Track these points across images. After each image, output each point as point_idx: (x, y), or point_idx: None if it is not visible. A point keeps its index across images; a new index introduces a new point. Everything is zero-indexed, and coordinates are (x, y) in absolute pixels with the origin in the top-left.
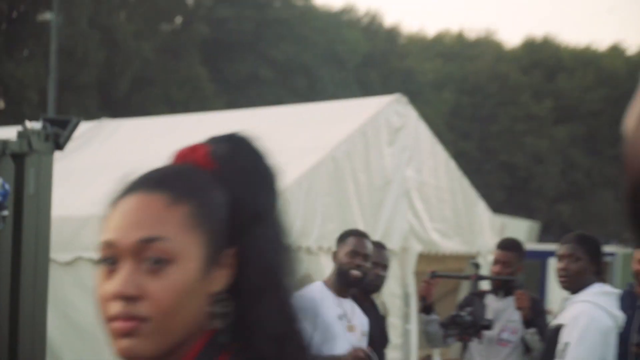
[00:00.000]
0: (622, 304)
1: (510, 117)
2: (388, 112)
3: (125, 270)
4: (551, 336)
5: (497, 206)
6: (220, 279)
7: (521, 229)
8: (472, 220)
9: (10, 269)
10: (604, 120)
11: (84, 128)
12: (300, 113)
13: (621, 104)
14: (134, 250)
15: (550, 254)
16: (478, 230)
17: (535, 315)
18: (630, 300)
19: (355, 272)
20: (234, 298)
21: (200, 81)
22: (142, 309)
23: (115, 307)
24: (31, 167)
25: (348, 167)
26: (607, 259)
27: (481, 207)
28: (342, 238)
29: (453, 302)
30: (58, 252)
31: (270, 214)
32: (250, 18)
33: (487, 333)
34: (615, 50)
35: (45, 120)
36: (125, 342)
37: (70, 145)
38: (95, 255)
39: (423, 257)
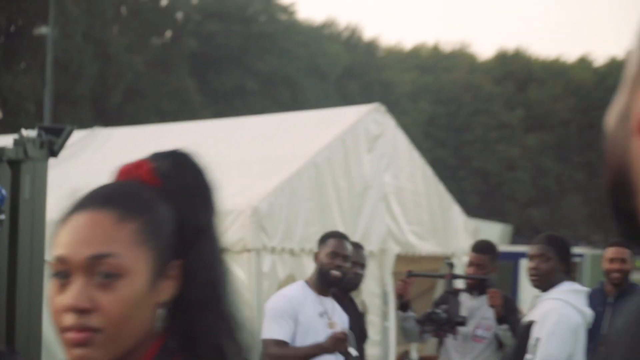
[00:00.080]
0: (593, 301)
1: (483, 126)
2: (367, 120)
3: (77, 285)
4: (523, 332)
5: (471, 210)
6: (167, 290)
7: (494, 232)
8: (447, 223)
9: (6, 271)
10: (572, 128)
11: (78, 136)
12: (284, 122)
13: (589, 113)
14: (85, 265)
15: (522, 255)
16: (453, 232)
17: (507, 312)
18: (600, 298)
19: (335, 272)
20: (180, 308)
21: (189, 93)
22: (94, 320)
23: (69, 319)
24: (27, 173)
25: (329, 173)
26: (576, 259)
27: (456, 211)
28: (323, 240)
29: (429, 301)
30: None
31: (210, 228)
32: (236, 32)
33: (462, 329)
34: (584, 62)
35: (40, 128)
36: (78, 352)
37: (64, 153)
38: None
39: (400, 258)
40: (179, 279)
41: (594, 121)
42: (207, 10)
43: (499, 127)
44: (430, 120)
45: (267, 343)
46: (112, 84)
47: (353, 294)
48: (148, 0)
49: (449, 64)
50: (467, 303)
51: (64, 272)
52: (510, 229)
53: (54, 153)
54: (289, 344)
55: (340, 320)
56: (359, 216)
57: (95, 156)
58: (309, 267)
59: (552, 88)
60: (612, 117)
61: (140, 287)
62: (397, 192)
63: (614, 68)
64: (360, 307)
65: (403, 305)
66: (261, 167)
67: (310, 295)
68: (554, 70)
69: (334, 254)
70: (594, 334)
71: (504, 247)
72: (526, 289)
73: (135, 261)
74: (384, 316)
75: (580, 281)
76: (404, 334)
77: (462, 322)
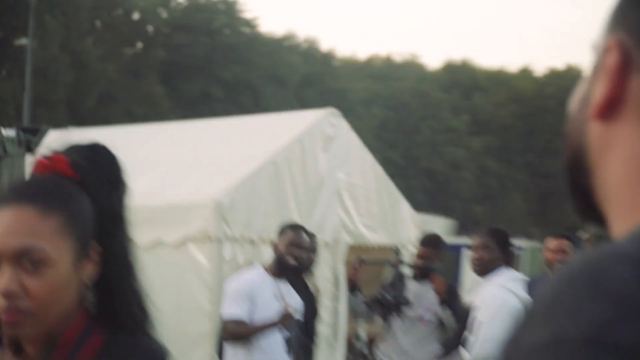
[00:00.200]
0: (535, 290)
1: (431, 129)
2: (323, 123)
3: (8, 272)
4: (465, 316)
5: (420, 206)
6: (89, 271)
7: (440, 226)
8: (396, 216)
9: None
10: (513, 133)
11: (54, 136)
12: (246, 124)
13: (529, 119)
14: (14, 256)
15: (465, 246)
16: (401, 224)
17: (450, 298)
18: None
19: (291, 261)
20: (100, 285)
21: (158, 98)
22: (25, 304)
23: (2, 302)
24: (5, 168)
25: (287, 170)
26: (516, 251)
27: (404, 206)
28: (282, 231)
29: (377, 286)
30: None
31: (123, 214)
32: (203, 44)
33: (408, 313)
34: (525, 72)
35: (19, 128)
36: (13, 330)
37: (40, 150)
38: None
39: (352, 248)
40: (99, 261)
41: (534, 126)
42: (176, 23)
43: (446, 131)
44: (381, 124)
45: (227, 321)
46: (86, 90)
47: (307, 278)
48: (121, 14)
49: (400, 74)
50: (413, 289)
51: None
52: (455, 223)
53: (31, 150)
54: (246, 323)
55: (294, 302)
56: (314, 209)
57: None
58: (267, 255)
59: (495, 95)
60: (574, 102)
61: (64, 272)
62: (350, 187)
63: (553, 78)
64: (312, 289)
65: (353, 289)
66: (224, 165)
67: (267, 279)
68: (498, 79)
69: (291, 244)
70: None
71: (448, 239)
72: (468, 277)
73: (59, 251)
74: (336, 299)
75: (520, 271)
76: (354, 316)
77: (407, 304)
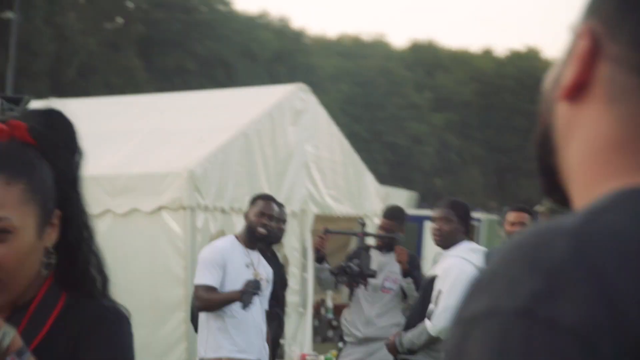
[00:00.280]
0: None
1: (395, 105)
2: (292, 98)
3: None
4: (426, 285)
5: (382, 178)
6: (51, 236)
7: (402, 198)
8: (361, 188)
9: None
10: (473, 109)
11: (36, 106)
12: (219, 97)
13: (488, 97)
14: None
15: (426, 218)
16: (365, 196)
17: (412, 268)
18: None
19: (261, 230)
20: (61, 249)
21: (136, 70)
22: None
23: None
24: None
25: (257, 142)
26: (474, 223)
27: (369, 178)
28: (253, 201)
29: (343, 255)
30: None
31: (79, 179)
32: (179, 20)
33: (372, 281)
34: (487, 53)
35: (2, 97)
36: None
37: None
38: None
39: (319, 218)
40: (59, 225)
41: (493, 104)
42: (155, 0)
43: (409, 107)
44: (348, 100)
45: (198, 288)
46: (67, 62)
47: (276, 248)
48: None
49: (368, 52)
50: (377, 258)
51: None
52: (416, 196)
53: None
54: (217, 290)
55: (265, 271)
56: (282, 180)
57: None
58: (238, 224)
59: (457, 74)
60: (547, 81)
61: (29, 239)
62: (317, 160)
63: (513, 59)
64: (281, 259)
65: (320, 258)
66: (197, 136)
67: (239, 248)
68: (460, 59)
69: (261, 214)
70: None
71: (410, 211)
72: (429, 248)
73: (24, 219)
74: (303, 268)
75: (477, 242)
76: (320, 284)
77: (372, 275)
